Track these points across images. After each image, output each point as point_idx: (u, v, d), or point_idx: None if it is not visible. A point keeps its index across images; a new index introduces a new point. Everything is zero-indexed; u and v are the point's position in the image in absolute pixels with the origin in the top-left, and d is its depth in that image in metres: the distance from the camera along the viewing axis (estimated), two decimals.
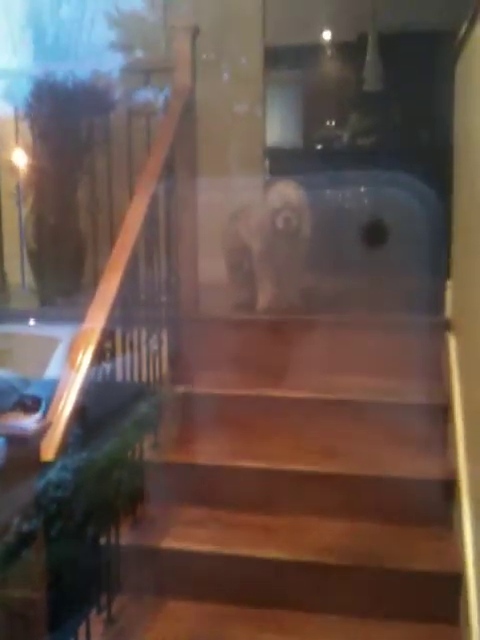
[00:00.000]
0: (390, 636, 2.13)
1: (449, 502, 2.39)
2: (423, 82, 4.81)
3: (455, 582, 2.17)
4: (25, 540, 1.84)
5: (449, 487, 2.38)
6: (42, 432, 1.85)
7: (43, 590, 1.77)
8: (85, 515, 1.94)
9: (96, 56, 3.43)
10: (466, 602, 2.07)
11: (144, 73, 3.22)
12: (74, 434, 2.00)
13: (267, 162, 4.23)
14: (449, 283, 2.97)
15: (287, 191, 3.06)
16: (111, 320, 2.22)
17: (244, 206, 3.27)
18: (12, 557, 1.81)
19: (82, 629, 1.97)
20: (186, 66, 3.10)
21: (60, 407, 1.94)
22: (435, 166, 3.16)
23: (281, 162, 4.46)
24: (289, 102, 5.47)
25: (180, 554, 2.30)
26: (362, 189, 4.41)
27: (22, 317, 3.06)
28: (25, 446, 1.83)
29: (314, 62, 5.51)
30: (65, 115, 3.26)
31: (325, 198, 4.20)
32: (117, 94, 3.37)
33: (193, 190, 3.10)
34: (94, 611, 2.09)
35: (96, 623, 2.08)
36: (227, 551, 2.29)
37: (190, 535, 2.36)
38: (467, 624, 2.02)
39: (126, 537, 2.28)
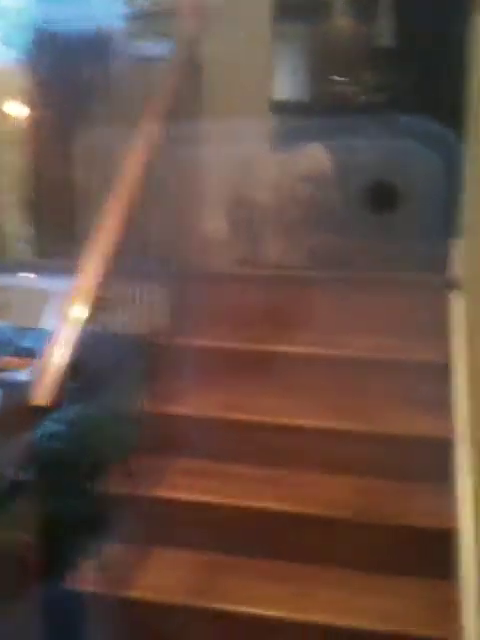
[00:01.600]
0: (388, 589, 2.13)
1: (448, 459, 2.37)
2: (439, 34, 4.66)
3: (450, 537, 2.16)
4: (19, 487, 1.85)
5: (448, 445, 2.36)
6: (35, 379, 1.84)
7: (35, 534, 1.78)
8: (79, 465, 1.94)
9: (98, 2, 3.34)
10: (461, 558, 2.06)
11: (149, 19, 3.14)
12: (69, 387, 1.99)
13: (274, 116, 4.13)
14: (456, 242, 2.90)
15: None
16: (107, 271, 2.19)
17: (251, 158, 3.19)
18: (6, 502, 1.82)
19: (73, 576, 1.98)
20: (191, 12, 3.02)
21: (52, 355, 1.92)
22: (449, 122, 3.08)
23: (289, 116, 4.36)
24: (298, 55, 5.34)
25: (174, 503, 2.31)
26: (371, 144, 4.31)
27: (18, 268, 3.03)
28: (18, 393, 1.82)
29: (325, 14, 5.36)
30: (65, 63, 3.19)
31: (332, 154, 4.11)
32: (120, 41, 3.30)
33: (196, 140, 3.04)
34: (85, 558, 2.09)
35: (87, 570, 2.08)
36: (223, 501, 2.29)
37: (185, 486, 2.37)
38: (462, 580, 2.02)
39: (120, 487, 2.27)
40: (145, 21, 3.15)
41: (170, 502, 2.32)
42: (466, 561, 2.00)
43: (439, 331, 2.76)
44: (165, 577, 2.18)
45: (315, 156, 2.96)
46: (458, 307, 2.71)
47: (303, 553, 2.24)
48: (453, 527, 2.15)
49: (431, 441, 2.40)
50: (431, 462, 2.36)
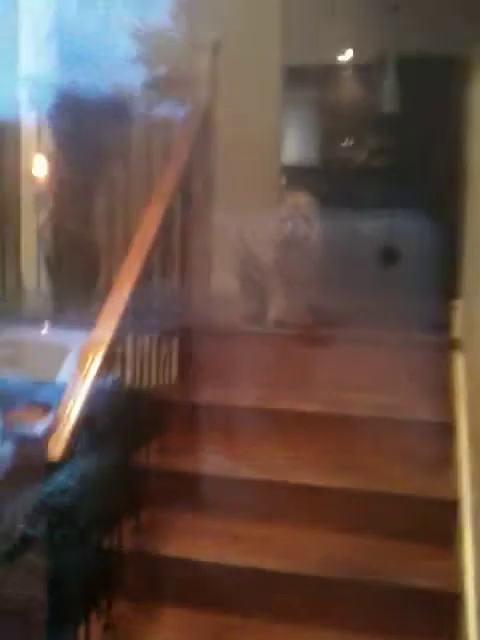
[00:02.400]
0: None
1: (451, 522, 2.39)
2: (439, 105, 4.84)
3: (453, 601, 2.17)
4: (28, 542, 1.87)
5: (451, 507, 2.38)
6: (50, 433, 1.88)
7: (44, 591, 1.79)
8: (89, 520, 1.97)
9: (118, 69, 3.49)
10: (464, 622, 2.07)
11: (164, 86, 3.28)
12: (81, 441, 2.02)
13: (283, 179, 4.26)
14: (458, 302, 2.98)
15: (297, 199, 3.11)
16: (122, 328, 2.26)
17: (257, 219, 3.30)
18: (15, 558, 1.84)
19: (82, 633, 1.98)
20: (205, 80, 3.16)
21: (68, 409, 1.96)
22: (448, 187, 3.19)
23: (297, 179, 4.50)
24: (306, 121, 5.53)
25: (181, 562, 2.31)
26: (376, 209, 4.43)
27: (36, 323, 3.09)
28: (33, 447, 1.86)
29: (332, 83, 5.57)
30: (85, 125, 3.32)
31: (338, 215, 4.23)
32: (137, 107, 3.43)
33: (208, 203, 3.14)
34: (94, 615, 2.10)
35: (96, 627, 2.10)
36: (227, 561, 2.30)
37: (192, 543, 2.38)
38: None
39: (128, 542, 2.30)
40: (162, 86, 3.28)
41: (174, 560, 2.33)
42: (470, 625, 2.01)
43: (441, 391, 2.82)
44: (169, 637, 2.19)
45: (296, 199, 3.09)
46: (459, 367, 2.77)
47: (303, 613, 2.25)
48: (456, 590, 2.17)
49: (433, 502, 2.42)
50: (433, 523, 2.39)
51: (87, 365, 2.11)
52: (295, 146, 5.31)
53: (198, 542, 2.40)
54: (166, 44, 3.69)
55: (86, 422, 2.02)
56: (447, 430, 2.62)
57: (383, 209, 4.39)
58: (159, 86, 3.36)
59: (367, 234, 4.27)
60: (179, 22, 3.60)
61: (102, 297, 2.39)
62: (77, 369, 2.13)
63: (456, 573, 2.22)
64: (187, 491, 2.48)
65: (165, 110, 3.41)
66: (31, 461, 1.94)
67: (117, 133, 3.33)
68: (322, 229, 3.13)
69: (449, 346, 2.90)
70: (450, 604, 2.18)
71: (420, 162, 4.99)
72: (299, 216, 3.04)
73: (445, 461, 2.59)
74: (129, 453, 2.21)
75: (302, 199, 3.12)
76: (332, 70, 5.53)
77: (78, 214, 3.34)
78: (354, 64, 5.57)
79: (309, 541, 2.42)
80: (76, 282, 3.29)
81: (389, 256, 4.02)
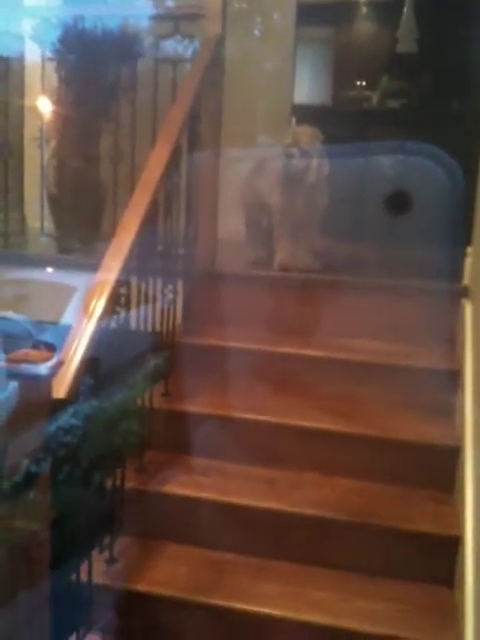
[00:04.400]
0: (385, 593, 2.17)
1: (454, 468, 2.40)
2: (457, 46, 4.69)
3: (453, 545, 2.20)
4: (33, 479, 1.89)
5: (454, 453, 2.39)
6: (54, 371, 1.89)
7: (47, 526, 1.82)
8: (92, 460, 1.98)
9: (126, 2, 3.38)
10: (462, 565, 2.09)
11: (173, 20, 3.18)
12: (85, 382, 2.03)
13: (294, 120, 4.17)
14: (469, 250, 2.93)
15: (299, 130, 3.04)
16: (126, 269, 2.23)
17: (265, 160, 3.24)
18: (20, 494, 1.86)
19: (84, 567, 2.02)
20: (216, 14, 3.05)
21: (72, 349, 1.96)
22: (464, 131, 3.10)
23: (308, 120, 4.39)
24: (320, 60, 5.37)
25: (183, 500, 2.35)
26: (389, 151, 4.34)
27: (40, 263, 3.07)
28: (37, 385, 1.86)
29: (347, 21, 5.38)
30: (92, 61, 3.23)
31: (349, 157, 4.14)
32: (145, 41, 3.33)
33: (217, 143, 3.07)
34: (96, 550, 2.14)
35: (98, 562, 2.14)
36: (229, 500, 2.33)
37: (194, 483, 2.41)
38: (462, 587, 2.05)
39: (131, 481, 2.33)
40: (171, 22, 3.18)
41: (176, 498, 2.36)
42: (469, 568, 2.03)
43: (449, 338, 2.80)
44: (169, 571, 2.23)
45: (298, 130, 3.03)
46: (468, 315, 2.75)
47: (300, 553, 2.29)
48: (456, 534, 2.19)
49: (436, 448, 2.43)
50: (436, 469, 2.41)
51: (92, 306, 2.10)
52: (307, 86, 5.17)
53: (200, 481, 2.43)
54: None
55: (91, 363, 2.02)
56: (453, 378, 2.61)
57: (397, 152, 4.29)
58: (168, 21, 3.26)
59: (379, 177, 4.18)
60: None
61: (107, 237, 2.36)
62: (82, 310, 2.13)
63: (457, 518, 2.24)
64: (191, 432, 2.49)
65: (174, 46, 3.32)
66: (36, 400, 1.94)
67: (124, 69, 3.25)
68: (332, 171, 3.07)
69: (459, 294, 2.87)
70: (450, 548, 2.20)
71: (436, 105, 4.87)
72: (298, 146, 2.97)
73: (450, 408, 2.59)
74: (132, 394, 2.21)
75: (303, 130, 3.04)
76: (347, 7, 5.35)
77: (83, 152, 3.28)
78: (370, 1, 5.39)
79: (310, 483, 2.44)
80: (80, 222, 3.25)
81: (401, 201, 3.93)
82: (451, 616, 2.08)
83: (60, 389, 1.86)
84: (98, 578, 2.12)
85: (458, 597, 2.10)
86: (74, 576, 1.97)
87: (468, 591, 1.99)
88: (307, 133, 3.04)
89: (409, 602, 2.14)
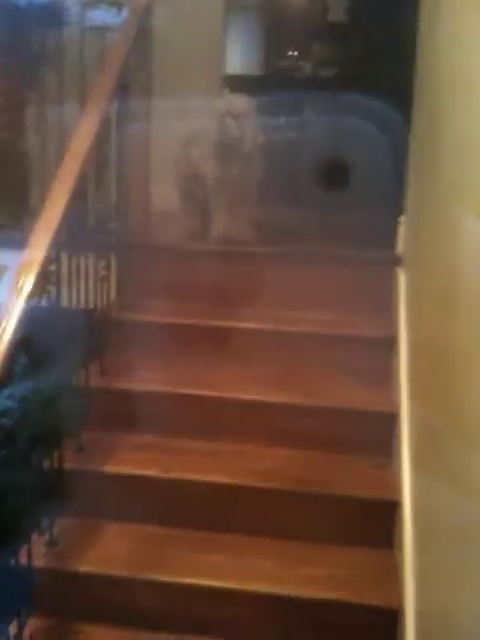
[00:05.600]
0: (328, 559, 2.20)
1: (390, 434, 2.45)
2: (388, 15, 4.69)
3: (392, 508, 2.24)
4: None
5: (391, 419, 2.43)
6: None
7: None
8: (30, 441, 1.94)
9: None
10: (401, 527, 2.14)
11: None
12: (19, 362, 1.97)
13: (226, 89, 4.11)
14: (402, 218, 2.96)
15: (232, 100, 3.02)
16: (56, 245, 2.18)
17: (197, 131, 3.19)
18: None
19: (25, 551, 1.99)
20: None
21: (1, 330, 1.90)
22: (396, 99, 3.11)
23: (241, 90, 4.34)
24: (250, 29, 5.31)
25: (122, 478, 2.33)
26: (321, 120, 4.33)
27: None
28: None
29: None
30: (17, 30, 3.11)
31: (283, 127, 4.13)
32: (72, 11, 3.22)
33: (147, 113, 3.01)
34: (36, 534, 2.10)
35: (38, 545, 2.11)
36: (170, 475, 2.33)
37: (133, 460, 2.39)
38: (401, 549, 2.10)
39: (70, 462, 2.29)
40: None
41: (117, 477, 2.34)
42: (407, 530, 2.08)
43: (384, 307, 2.84)
44: (113, 550, 2.21)
45: (231, 99, 3.03)
46: (402, 283, 2.78)
47: (245, 524, 2.30)
48: (395, 498, 2.24)
49: (373, 415, 2.47)
50: (373, 435, 2.44)
51: (20, 284, 2.04)
52: (239, 55, 5.11)
53: (140, 459, 2.41)
54: None
55: (23, 343, 1.97)
56: (389, 345, 2.65)
57: (331, 121, 4.29)
58: None
59: (314, 147, 4.18)
60: None
61: (36, 212, 2.28)
62: (11, 289, 2.06)
63: (394, 482, 2.29)
64: (128, 410, 2.46)
65: (101, 15, 3.22)
66: None
67: (50, 39, 3.13)
68: (267, 140, 3.05)
69: (393, 262, 2.90)
70: (389, 511, 2.25)
71: (369, 74, 4.86)
72: (231, 116, 2.94)
73: (386, 375, 2.63)
74: (68, 373, 2.17)
75: (236, 99, 3.02)
76: None
77: (8, 123, 3.16)
78: None
79: (252, 454, 2.45)
80: (7, 196, 3.14)
81: (337, 168, 3.94)
82: (392, 577, 2.13)
83: None
84: (39, 561, 2.09)
85: (398, 558, 2.16)
86: (14, 559, 1.93)
87: (407, 551, 2.04)
88: (240, 102, 3.01)
89: (352, 566, 2.18)
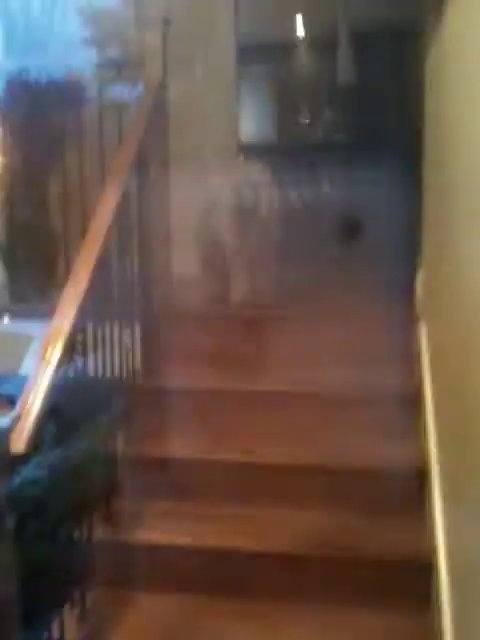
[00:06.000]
0: (364, 624, 2.15)
1: (421, 491, 2.42)
2: (395, 78, 4.83)
3: (426, 571, 2.20)
4: None
5: (421, 477, 2.41)
6: (13, 424, 1.85)
7: (14, 584, 1.77)
8: (59, 512, 1.95)
9: (68, 51, 3.42)
10: (437, 590, 2.09)
11: (115, 67, 3.23)
12: (47, 431, 2.00)
13: (241, 157, 4.23)
14: (419, 274, 2.99)
15: (247, 169, 3.10)
16: (82, 315, 2.22)
17: (215, 199, 3.28)
18: None
19: (56, 625, 1.97)
20: (156, 59, 3.11)
21: (30, 400, 1.93)
22: (406, 160, 3.18)
23: (255, 157, 4.46)
24: (262, 98, 5.48)
25: (153, 547, 2.31)
26: (334, 183, 4.43)
27: None
28: None
29: (288, 59, 5.51)
30: (37, 110, 3.25)
31: (299, 191, 4.22)
32: (89, 89, 3.37)
33: (166, 185, 3.10)
34: (68, 606, 2.08)
35: (70, 618, 2.08)
36: (200, 543, 2.31)
37: (163, 528, 2.37)
38: (439, 611, 2.05)
39: (99, 531, 2.28)
40: (115, 68, 3.22)
41: (148, 546, 2.32)
42: (444, 592, 2.03)
43: (407, 362, 2.83)
44: (145, 622, 2.18)
45: (246, 169, 3.11)
46: (423, 337, 2.79)
47: (277, 591, 2.26)
48: (428, 560, 2.20)
49: (403, 473, 2.44)
50: (403, 492, 2.41)
51: (48, 355, 2.08)
52: (252, 124, 5.26)
53: (170, 526, 2.39)
54: (115, 24, 3.63)
55: (51, 412, 1.99)
56: (414, 401, 2.64)
57: (344, 184, 4.38)
58: (111, 67, 3.31)
59: (329, 209, 4.26)
60: (127, 0, 3.54)
61: (61, 285, 2.35)
62: (38, 359, 2.10)
63: (427, 541, 2.25)
64: (157, 476, 2.46)
65: (118, 91, 3.36)
66: None
67: (69, 117, 3.27)
68: (283, 205, 3.12)
69: (414, 317, 2.92)
70: (424, 573, 2.20)
71: (379, 136, 4.98)
72: (248, 184, 3.03)
73: (412, 431, 2.61)
74: (95, 441, 2.19)
75: (251, 168, 3.11)
76: (287, 46, 5.47)
77: (32, 200, 3.28)
78: (309, 39, 5.52)
79: (282, 519, 2.42)
80: (33, 270, 3.24)
81: (352, 231, 4.01)
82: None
83: (19, 442, 1.82)
84: (71, 635, 2.06)
85: (436, 620, 2.10)
86: (46, 634, 1.91)
87: (445, 614, 1.99)
88: (255, 170, 3.10)
89: (389, 631, 2.13)
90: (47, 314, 2.22)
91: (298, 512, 2.44)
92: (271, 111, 5.47)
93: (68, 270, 2.39)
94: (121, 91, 3.35)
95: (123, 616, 2.19)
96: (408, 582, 2.21)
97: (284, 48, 5.38)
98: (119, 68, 3.23)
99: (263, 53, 5.16)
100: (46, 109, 3.31)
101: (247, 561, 2.28)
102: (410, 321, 2.91)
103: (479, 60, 1.65)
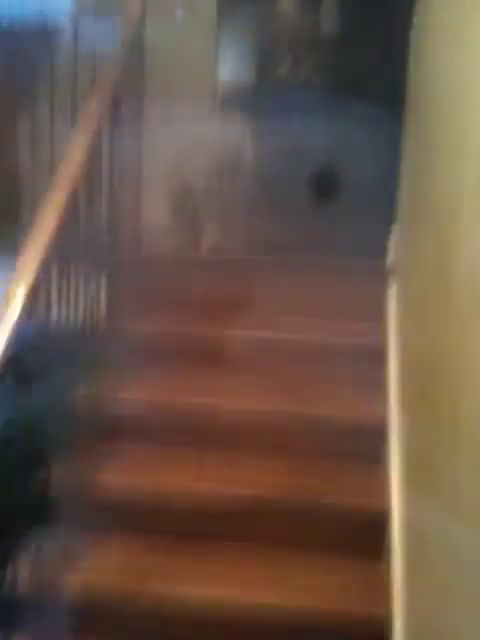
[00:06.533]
0: (317, 567, 2.22)
1: (379, 443, 2.46)
2: (381, 24, 4.70)
3: (381, 519, 2.25)
4: None
5: (380, 429, 2.45)
6: None
7: None
8: (18, 461, 1.95)
9: None
10: (390, 536, 2.16)
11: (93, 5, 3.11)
12: (6, 382, 1.96)
13: (218, 99, 4.13)
14: (394, 227, 2.98)
15: (225, 115, 3.03)
16: (47, 260, 2.19)
17: (190, 143, 3.21)
18: None
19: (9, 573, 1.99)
20: None
21: None
22: (388, 112, 3.13)
23: (233, 100, 4.36)
24: (243, 40, 5.31)
25: (119, 492, 2.35)
26: (314, 131, 4.35)
27: None
28: None
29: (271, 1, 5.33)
30: (7, 48, 3.13)
31: (275, 138, 4.13)
32: (64, 26, 3.24)
33: (139, 126, 3.03)
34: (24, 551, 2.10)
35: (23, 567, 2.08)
36: (160, 488, 2.35)
37: (130, 471, 2.41)
38: (389, 560, 2.12)
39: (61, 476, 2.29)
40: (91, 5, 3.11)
41: (111, 489, 2.36)
42: (396, 539, 2.10)
43: (375, 316, 2.85)
44: (104, 562, 2.23)
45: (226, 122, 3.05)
46: (393, 292, 2.80)
47: (236, 533, 2.32)
48: (384, 508, 2.25)
49: (363, 425, 2.48)
50: (362, 443, 2.45)
51: (11, 302, 2.05)
52: (231, 67, 5.12)
53: (135, 470, 2.43)
54: None
55: (10, 362, 1.96)
56: (379, 354, 2.66)
57: (323, 130, 4.30)
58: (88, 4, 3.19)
59: (306, 156, 4.19)
60: None
61: (26, 228, 2.30)
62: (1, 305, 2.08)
63: (383, 493, 2.30)
64: (119, 422, 2.48)
65: (93, 29, 3.24)
66: None
67: (41, 55, 3.15)
68: (259, 153, 3.07)
69: (386, 271, 2.91)
70: (378, 520, 2.26)
71: (362, 83, 4.88)
72: (224, 130, 2.96)
73: (376, 384, 2.64)
74: (56, 391, 2.18)
75: (229, 113, 3.04)
76: None
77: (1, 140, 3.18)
78: None
79: (243, 464, 2.46)
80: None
81: (330, 177, 3.96)
82: (382, 587, 2.14)
83: None
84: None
85: (386, 569, 2.17)
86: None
87: (395, 563, 2.05)
88: (233, 113, 3.02)
89: (342, 575, 2.19)
90: (10, 259, 2.17)
91: (260, 458, 2.47)
92: (251, 54, 5.33)
93: (33, 213, 2.34)
94: (97, 29, 3.23)
95: (82, 558, 2.22)
96: (362, 530, 2.27)
97: None
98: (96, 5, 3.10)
99: None
100: (19, 43, 3.19)
101: (207, 504, 2.33)
102: (381, 275, 2.90)
103: (465, 3, 1.62)
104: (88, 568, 2.19)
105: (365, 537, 2.25)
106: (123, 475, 2.41)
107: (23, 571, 2.06)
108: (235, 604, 2.12)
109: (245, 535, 2.31)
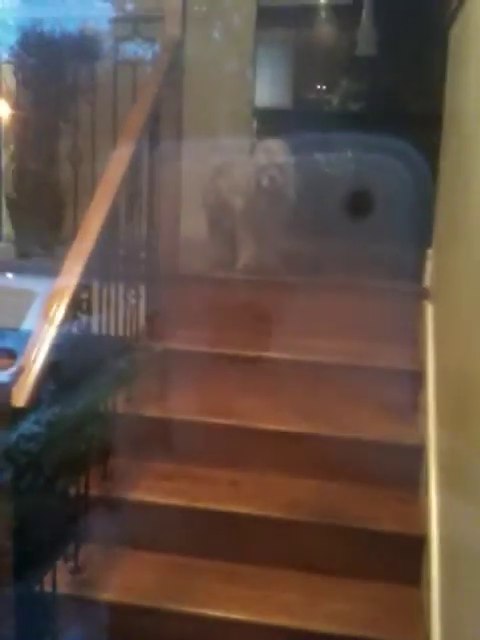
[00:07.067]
0: (352, 594, 2.17)
1: (417, 467, 2.42)
2: (417, 49, 4.73)
3: (418, 544, 2.21)
4: None
5: (418, 452, 2.41)
6: (14, 379, 1.85)
7: (9, 536, 1.78)
8: (55, 467, 1.95)
9: (85, 4, 3.35)
10: (428, 565, 2.11)
11: (132, 22, 3.16)
12: (47, 388, 1.99)
13: (255, 122, 4.17)
14: (430, 251, 2.97)
15: (273, 148, 3.03)
16: (88, 273, 2.20)
17: (228, 162, 3.23)
18: None
19: (48, 578, 1.99)
20: (175, 16, 3.04)
21: (32, 356, 1.92)
22: (424, 134, 3.13)
23: (269, 122, 4.40)
24: (280, 62, 5.38)
25: (148, 506, 2.33)
26: (349, 153, 4.37)
27: (0, 268, 3.02)
28: None
29: (307, 23, 5.40)
30: (51, 63, 3.20)
31: (311, 160, 4.16)
32: (104, 43, 3.30)
33: (178, 145, 3.06)
34: (61, 560, 2.10)
35: (63, 572, 2.10)
36: (195, 505, 2.32)
37: (159, 488, 2.39)
38: (428, 587, 2.07)
39: (96, 488, 2.29)
40: (131, 24, 3.15)
41: (143, 505, 2.34)
42: (434, 567, 2.05)
43: (411, 339, 2.82)
44: (137, 579, 2.20)
45: (272, 148, 3.03)
46: (429, 316, 2.78)
47: (268, 556, 2.28)
48: (421, 534, 2.21)
49: (401, 447, 2.45)
50: (400, 467, 2.42)
51: (52, 312, 2.06)
52: (268, 88, 5.18)
53: (166, 487, 2.41)
54: None
55: (52, 369, 1.98)
56: (416, 377, 2.64)
57: (359, 155, 4.32)
58: (128, 23, 3.24)
59: (341, 180, 4.21)
60: None
61: (68, 241, 2.32)
62: (42, 316, 2.09)
63: (421, 517, 2.26)
64: (156, 437, 2.47)
65: (134, 48, 3.30)
66: None
67: (84, 71, 3.21)
68: (295, 173, 3.08)
69: (421, 295, 2.90)
70: (415, 547, 2.22)
71: (396, 107, 4.90)
72: (274, 166, 2.97)
73: (413, 407, 2.61)
74: (95, 400, 2.18)
75: (277, 147, 3.04)
76: (308, 10, 5.36)
77: (42, 155, 3.24)
78: (329, 5, 5.41)
79: (275, 485, 2.43)
80: (41, 226, 3.20)
81: (365, 201, 3.96)
82: (418, 615, 2.09)
83: (20, 397, 1.82)
84: (63, 588, 2.08)
85: (425, 596, 2.12)
86: (38, 586, 1.93)
87: (434, 590, 2.01)
88: (281, 150, 3.03)
89: (376, 603, 2.15)
90: (51, 271, 2.20)
91: (294, 480, 2.45)
92: (288, 76, 5.39)
93: (75, 227, 2.37)
94: (136, 47, 3.29)
95: (116, 572, 2.22)
96: (399, 557, 2.23)
97: (305, 12, 5.28)
98: (136, 23, 3.15)
99: (283, 16, 5.06)
100: (60, 62, 3.25)
101: (241, 524, 2.30)
102: (417, 298, 2.88)
103: None
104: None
105: (403, 564, 2.21)
106: (152, 493, 2.38)
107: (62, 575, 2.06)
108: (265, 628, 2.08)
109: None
